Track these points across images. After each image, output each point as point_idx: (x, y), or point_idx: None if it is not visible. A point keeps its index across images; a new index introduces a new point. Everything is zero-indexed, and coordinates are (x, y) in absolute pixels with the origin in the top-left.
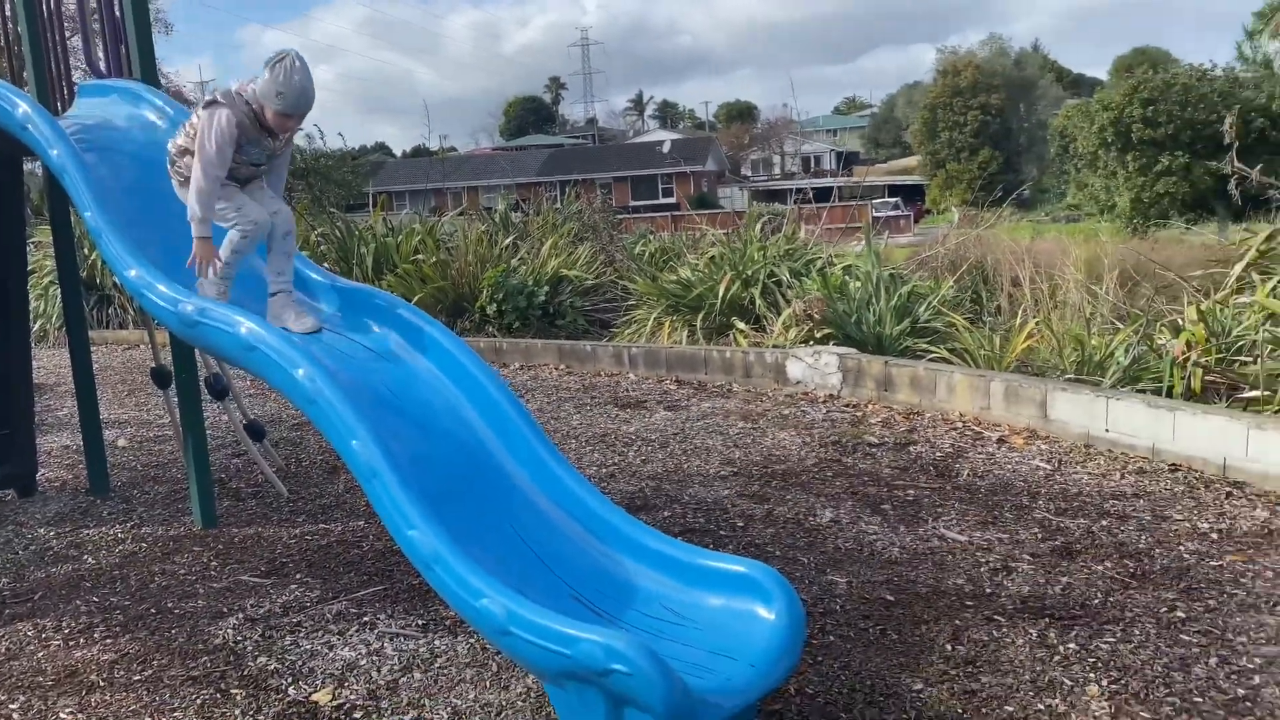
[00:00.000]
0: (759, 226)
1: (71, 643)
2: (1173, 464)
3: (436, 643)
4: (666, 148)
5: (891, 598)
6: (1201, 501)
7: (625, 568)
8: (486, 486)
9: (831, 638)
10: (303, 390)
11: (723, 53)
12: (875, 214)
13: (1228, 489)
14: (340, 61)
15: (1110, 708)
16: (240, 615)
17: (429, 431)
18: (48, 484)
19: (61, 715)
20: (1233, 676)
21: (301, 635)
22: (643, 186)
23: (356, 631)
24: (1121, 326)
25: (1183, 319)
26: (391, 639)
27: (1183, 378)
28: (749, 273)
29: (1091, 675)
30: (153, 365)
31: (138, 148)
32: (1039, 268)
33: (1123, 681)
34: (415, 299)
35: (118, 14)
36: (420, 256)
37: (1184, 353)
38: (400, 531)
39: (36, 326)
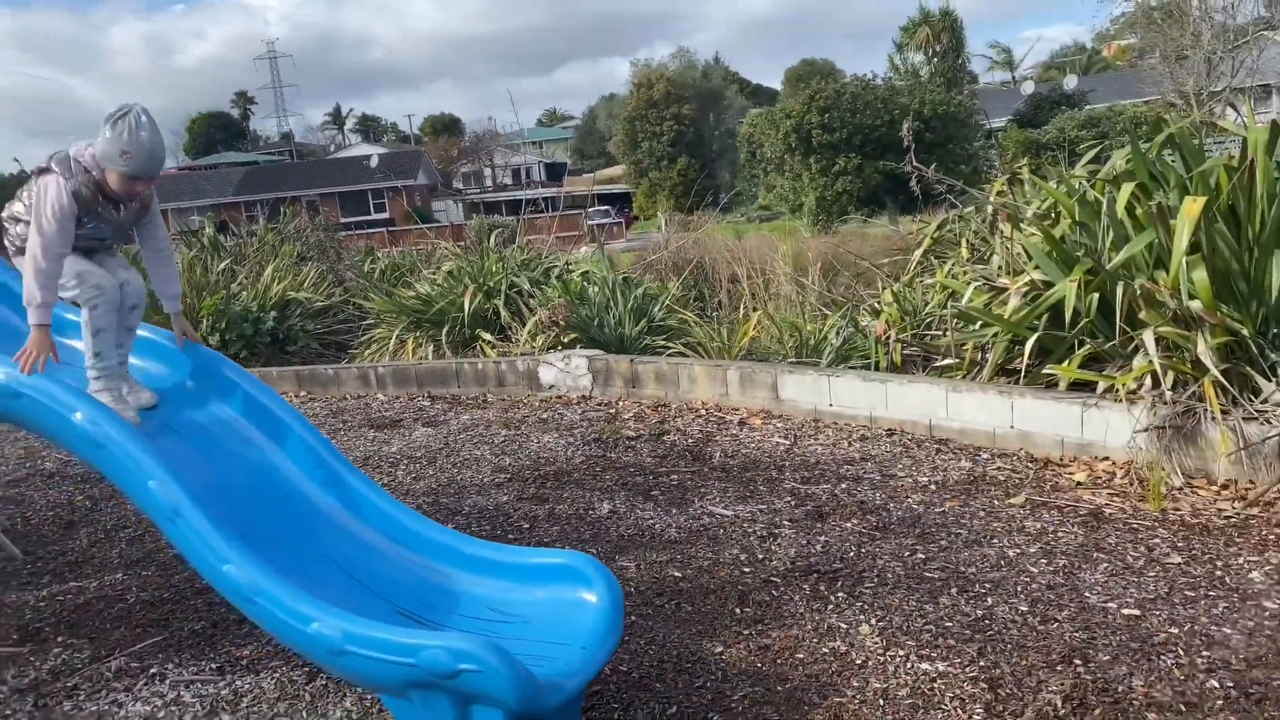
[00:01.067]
0: (491, 238)
1: None
2: (889, 429)
3: (238, 683)
4: (374, 162)
5: (679, 574)
6: (917, 459)
7: (445, 575)
8: (293, 516)
9: (633, 618)
10: (83, 434)
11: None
12: (589, 222)
13: (936, 446)
14: None
15: (883, 641)
16: (3, 689)
17: (227, 466)
18: None
19: None
20: (971, 601)
21: (82, 698)
22: (352, 203)
23: (145, 684)
24: (829, 313)
25: (880, 302)
26: (187, 686)
27: (886, 353)
28: (491, 284)
29: (862, 617)
30: None
31: None
32: (751, 264)
33: (888, 618)
34: None
35: None
36: None
37: (885, 331)
38: (213, 569)
39: None
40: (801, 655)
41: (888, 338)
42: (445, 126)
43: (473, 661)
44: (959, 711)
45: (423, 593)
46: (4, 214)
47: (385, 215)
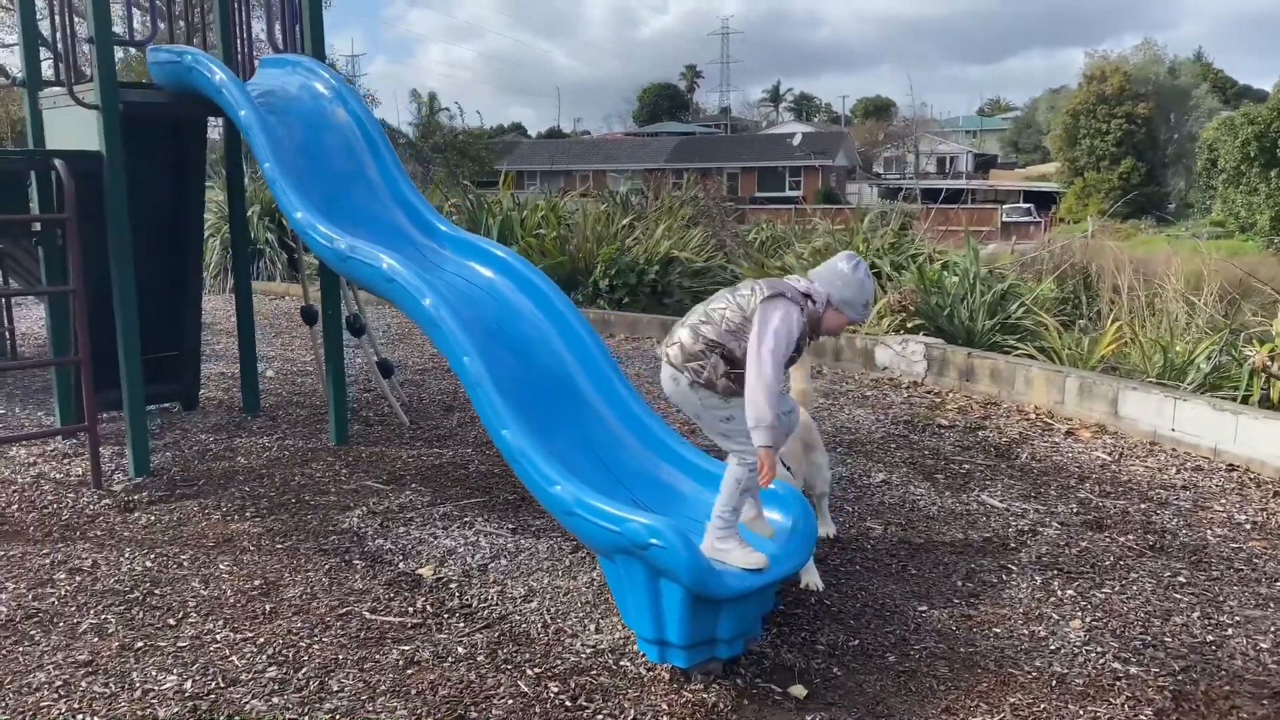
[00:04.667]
0: (867, 220)
1: (228, 518)
2: (1231, 464)
3: (522, 541)
4: (798, 140)
5: (919, 541)
6: (1247, 498)
7: (676, 480)
8: (569, 406)
9: (857, 568)
10: (428, 315)
11: (862, 47)
12: (1006, 218)
13: (1278, 489)
14: (480, 41)
15: (1087, 638)
16: (364, 509)
17: (526, 358)
18: (207, 402)
19: (220, 567)
20: (1210, 629)
21: (413, 527)
22: (770, 178)
23: (458, 528)
24: (1211, 336)
25: (1272, 331)
26: (486, 535)
27: (1262, 387)
28: None
29: (1078, 614)
30: (302, 305)
31: (307, 113)
32: (1144, 277)
33: (1106, 622)
34: None
35: None
36: (542, 231)
37: (1266, 363)
38: (496, 431)
39: None
40: (999, 630)
41: (1265, 370)
42: (877, 109)
43: (660, 539)
44: (1126, 710)
45: (653, 487)
46: (687, 341)
47: (798, 193)
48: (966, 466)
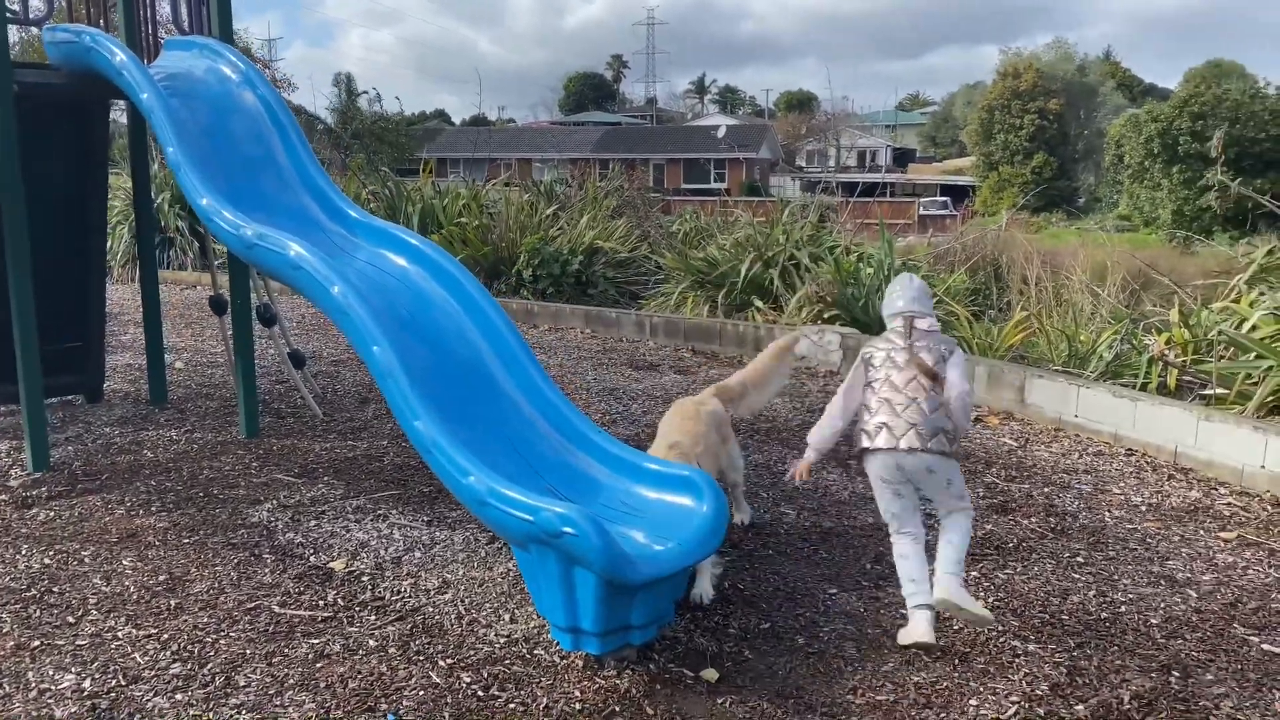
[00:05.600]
0: (786, 212)
1: (133, 513)
2: (1129, 449)
3: (437, 534)
4: (722, 133)
5: (830, 525)
6: (1144, 481)
7: (592, 468)
8: (485, 397)
9: (770, 552)
10: (336, 303)
11: (787, 40)
12: (923, 211)
13: (1171, 473)
14: (402, 26)
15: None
16: (274, 502)
17: (439, 348)
18: (113, 394)
19: (124, 562)
20: (1105, 606)
21: (325, 520)
22: (695, 170)
23: (371, 521)
24: (1113, 326)
25: (1169, 321)
26: (400, 528)
27: (1160, 375)
28: (770, 254)
29: (981, 595)
30: (211, 294)
31: (214, 97)
32: (1052, 269)
33: (1007, 602)
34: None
35: None
36: (464, 220)
37: (1162, 351)
38: (407, 422)
39: None
40: (905, 611)
41: (1163, 358)
42: (800, 103)
43: (573, 526)
44: (1024, 685)
45: (568, 475)
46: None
47: (723, 185)
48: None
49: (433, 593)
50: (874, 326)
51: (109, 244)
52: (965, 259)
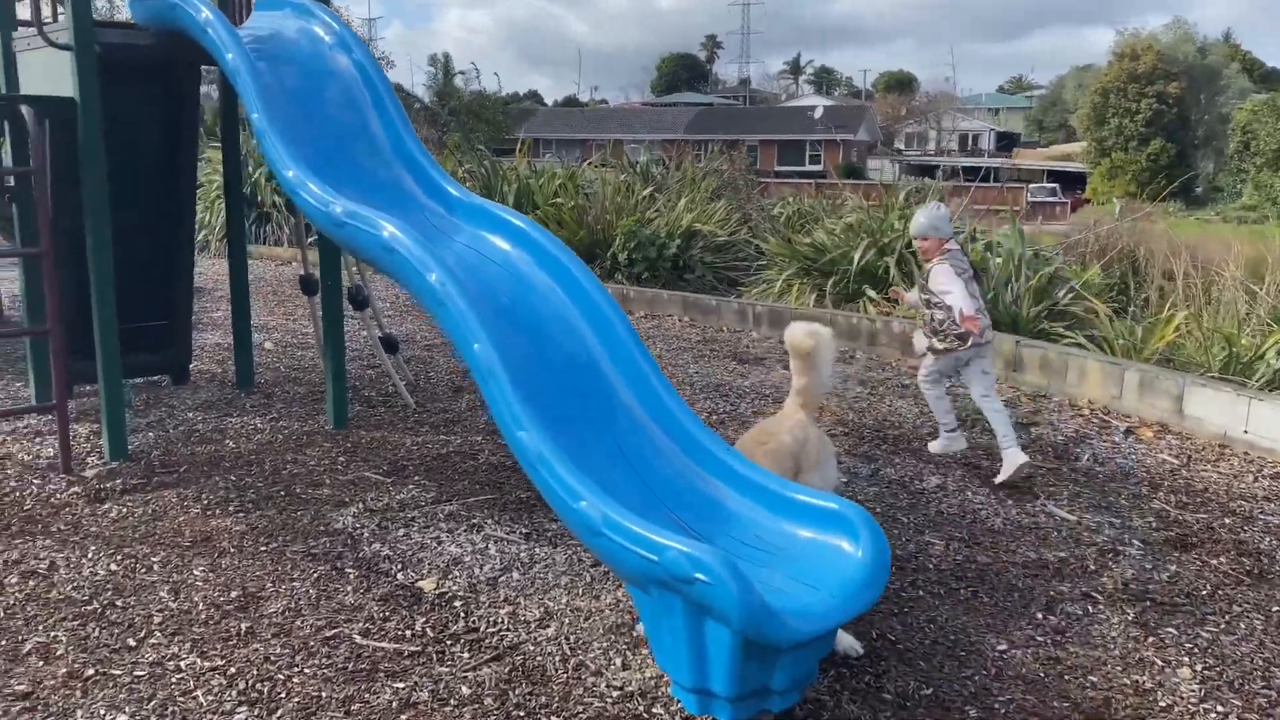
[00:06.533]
0: (903, 195)
1: (209, 513)
2: None
3: (537, 550)
4: (819, 114)
5: (987, 560)
6: None
7: (720, 494)
8: (594, 399)
9: (921, 593)
10: (433, 293)
11: (880, 22)
12: (1031, 198)
13: None
14: (498, 6)
15: (1201, 691)
16: (360, 506)
17: (542, 340)
18: (199, 375)
19: (195, 572)
20: None
21: (414, 529)
22: (790, 152)
23: (465, 531)
24: (1278, 329)
25: None
26: (496, 542)
27: None
28: (886, 241)
29: (1186, 660)
30: (301, 274)
31: (304, 60)
32: (1197, 263)
33: (1219, 670)
34: None
35: None
36: (559, 200)
37: None
38: (511, 431)
39: (200, 236)
40: (1095, 679)
41: None
42: (899, 84)
43: (707, 572)
44: None
45: (694, 502)
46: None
47: (819, 168)
48: (1025, 469)
49: (533, 626)
50: (1004, 323)
51: (207, 218)
52: (1099, 251)
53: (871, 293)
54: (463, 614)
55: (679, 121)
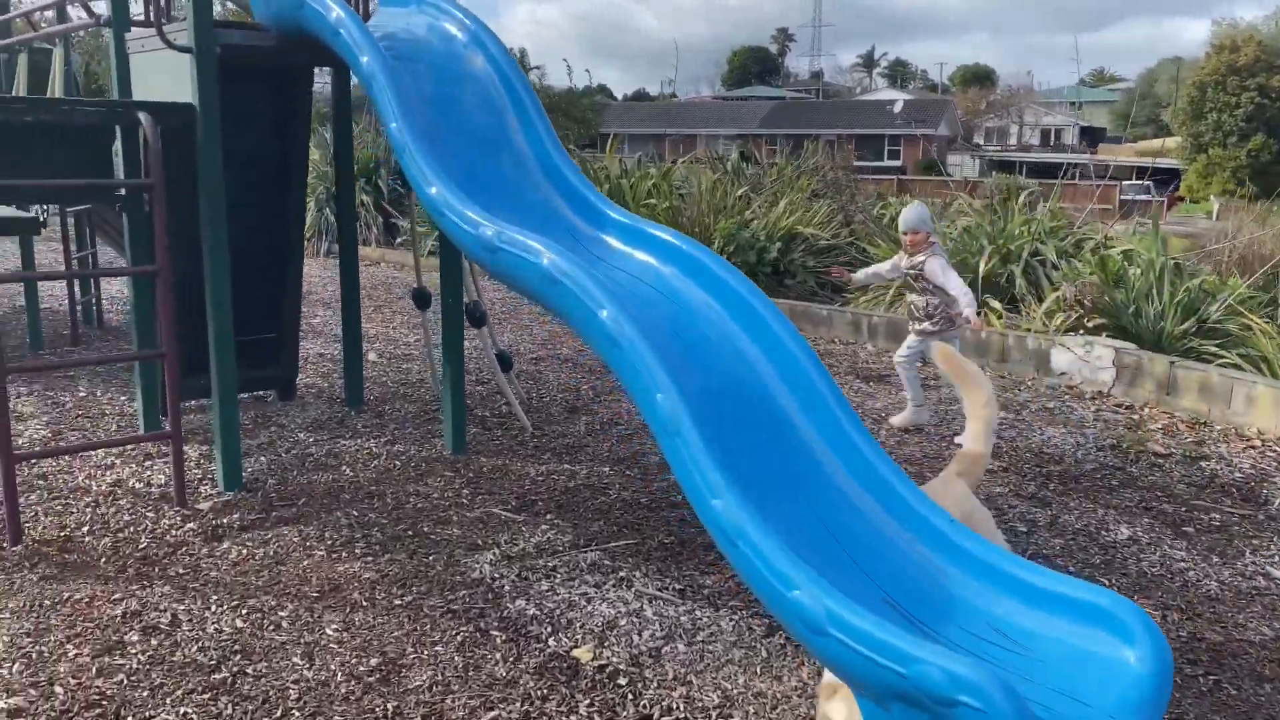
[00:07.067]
0: (1022, 198)
1: (335, 555)
2: None
3: (699, 614)
4: (899, 108)
5: (1218, 639)
6: None
7: (945, 573)
8: (782, 452)
9: None
10: (605, 332)
11: (955, 13)
12: (1123, 197)
13: None
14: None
15: None
16: (496, 551)
17: (714, 375)
18: (305, 390)
19: (328, 630)
20: None
21: (557, 581)
22: (867, 146)
23: (613, 587)
24: None
25: None
26: (650, 601)
27: None
28: (1011, 248)
29: None
30: (415, 287)
31: (438, 60)
32: None
33: None
34: None
35: None
36: (653, 201)
37: None
38: (702, 500)
39: None
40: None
41: None
42: (977, 78)
43: (976, 697)
44: None
45: (915, 585)
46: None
47: (898, 163)
48: (1216, 516)
49: (714, 715)
50: (1147, 340)
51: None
52: (1239, 261)
53: (994, 303)
54: (630, 695)
55: (753, 115)
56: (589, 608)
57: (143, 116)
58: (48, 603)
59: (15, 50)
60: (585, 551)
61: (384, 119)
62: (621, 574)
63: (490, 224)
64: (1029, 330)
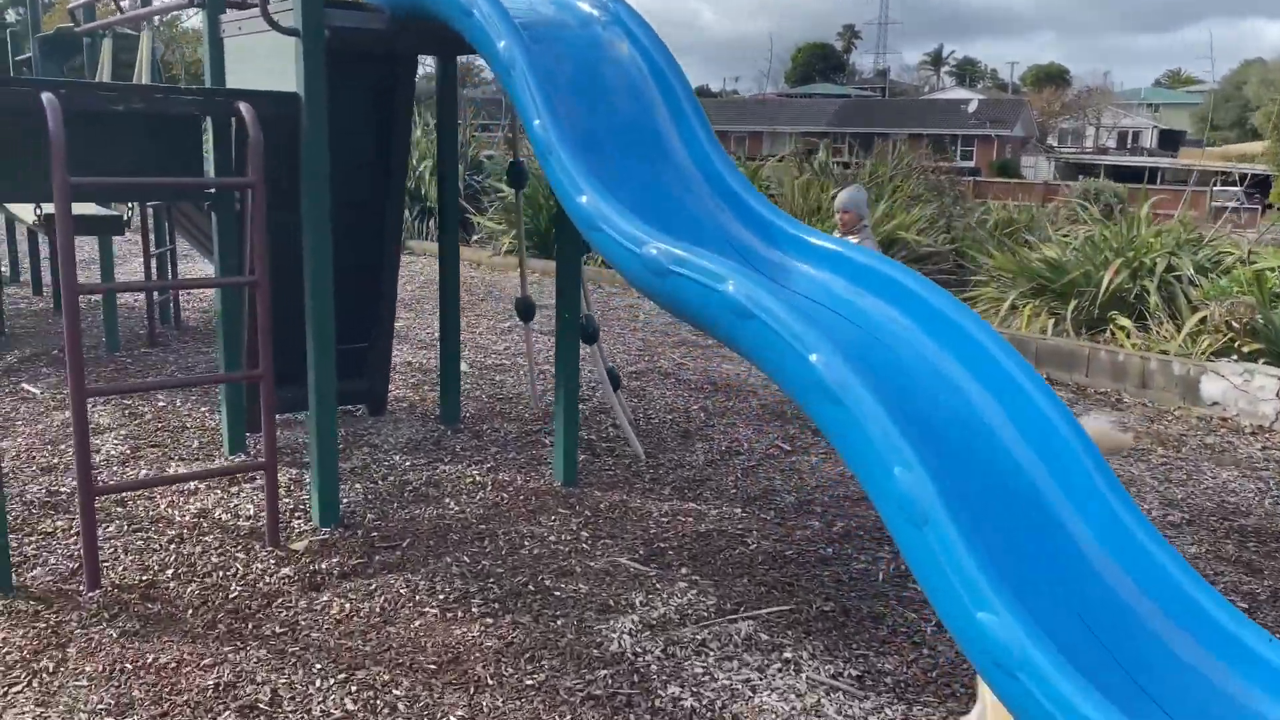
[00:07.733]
0: (1147, 206)
1: (449, 614)
2: None
3: (886, 710)
4: (973, 108)
5: None
6: None
7: (1255, 701)
8: (1039, 541)
9: None
10: (817, 380)
11: (1024, 11)
12: (1215, 203)
13: None
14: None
15: None
16: (633, 617)
17: (955, 446)
18: (395, 404)
19: (451, 717)
20: None
21: (711, 660)
22: (937, 147)
23: (777, 670)
24: None
25: None
26: (828, 693)
27: None
28: (1142, 260)
29: None
30: (519, 296)
31: (576, 45)
32: None
33: None
34: None
35: None
36: None
37: None
38: (961, 610)
39: None
40: None
41: None
42: (1050, 77)
43: None
44: None
45: (1203, 704)
46: None
47: (971, 164)
48: None
49: None
50: None
51: None
52: None
53: (1122, 320)
54: None
55: (821, 113)
56: (755, 699)
57: (243, 107)
58: (129, 667)
59: (99, 35)
60: (736, 620)
61: (524, 115)
62: (786, 654)
63: (654, 241)
64: (1172, 354)
